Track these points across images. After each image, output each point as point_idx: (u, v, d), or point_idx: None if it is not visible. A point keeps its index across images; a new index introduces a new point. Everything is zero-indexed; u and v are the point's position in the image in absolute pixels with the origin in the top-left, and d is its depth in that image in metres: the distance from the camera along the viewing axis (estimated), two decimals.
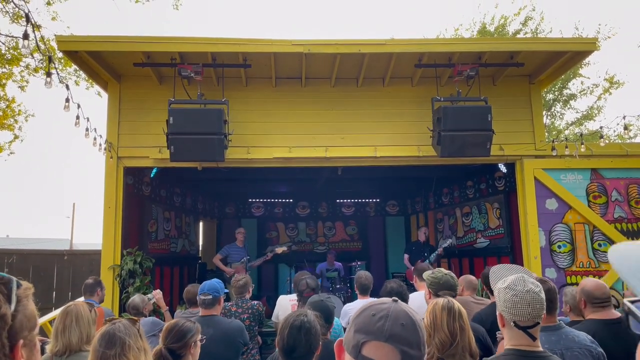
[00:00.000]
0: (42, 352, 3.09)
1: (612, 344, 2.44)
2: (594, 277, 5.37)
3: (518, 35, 16.60)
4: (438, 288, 3.27)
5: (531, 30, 17.00)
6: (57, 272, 9.92)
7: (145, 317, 4.74)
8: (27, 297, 1.08)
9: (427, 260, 7.87)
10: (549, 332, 2.46)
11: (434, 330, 2.45)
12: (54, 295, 9.76)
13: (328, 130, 6.42)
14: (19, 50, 10.99)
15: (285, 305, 4.74)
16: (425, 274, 3.48)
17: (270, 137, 6.34)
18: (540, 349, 1.94)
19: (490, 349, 3.09)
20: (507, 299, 1.93)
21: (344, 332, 3.90)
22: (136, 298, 4.80)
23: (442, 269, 3.50)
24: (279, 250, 8.27)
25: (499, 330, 2.19)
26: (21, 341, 1.04)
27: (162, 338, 2.48)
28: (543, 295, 1.94)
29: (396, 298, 1.10)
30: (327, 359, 2.39)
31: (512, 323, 1.92)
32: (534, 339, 1.91)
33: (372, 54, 5.95)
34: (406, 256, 8.60)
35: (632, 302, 0.81)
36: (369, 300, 1.16)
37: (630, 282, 0.74)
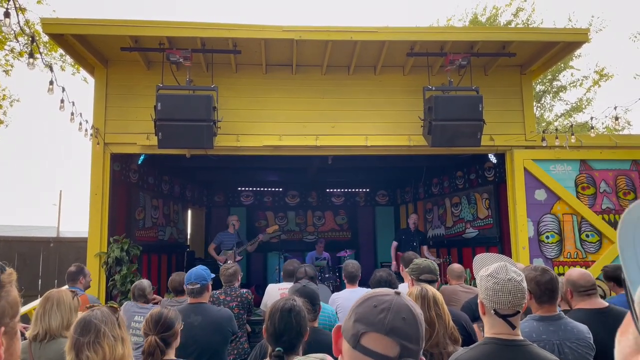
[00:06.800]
0: (24, 338, 3.04)
1: (602, 333, 2.44)
2: (581, 267, 5.41)
3: (509, 27, 16.60)
4: (419, 273, 3.32)
5: (522, 21, 17.03)
6: (43, 260, 9.80)
7: (148, 302, 4.65)
8: (10, 283, 1.03)
9: (417, 250, 7.89)
10: (548, 322, 2.45)
11: None
12: (39, 282, 9.65)
13: (319, 119, 6.37)
14: (3, 34, 10.74)
15: (275, 293, 4.71)
16: (407, 269, 3.54)
17: (260, 125, 6.27)
18: (520, 337, 1.93)
19: (474, 335, 3.10)
20: (488, 287, 1.93)
21: (338, 319, 3.91)
22: (144, 281, 4.73)
23: (422, 258, 3.58)
24: (270, 229, 8.32)
25: None
26: (2, 328, 0.99)
27: (149, 328, 2.45)
28: (525, 284, 1.94)
29: (399, 291, 1.10)
30: (314, 345, 2.37)
31: (492, 311, 1.91)
32: (513, 327, 1.91)
33: (364, 42, 5.89)
34: (394, 243, 8.47)
35: None
36: (371, 290, 1.15)
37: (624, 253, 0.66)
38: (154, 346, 2.33)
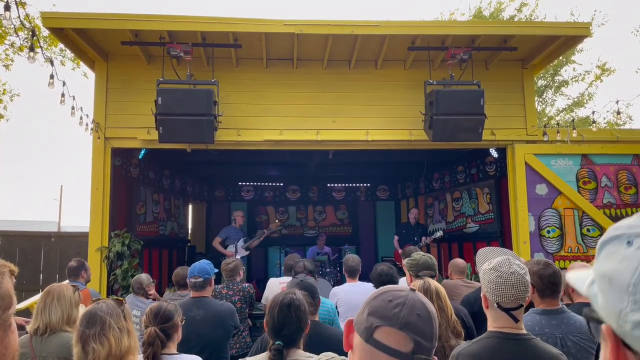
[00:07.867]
0: (25, 332, 3.05)
1: None
2: (582, 261, 5.41)
3: (511, 20, 16.52)
4: (418, 269, 3.32)
5: (526, 16, 16.94)
6: (44, 254, 9.80)
7: (147, 297, 4.66)
8: (2, 275, 1.01)
9: (417, 244, 7.90)
10: (551, 316, 2.45)
11: None
12: (40, 277, 9.66)
13: (320, 113, 6.36)
14: (3, 28, 10.71)
15: (275, 288, 4.73)
16: (405, 261, 3.52)
17: (261, 120, 6.26)
18: (524, 331, 1.93)
19: (472, 329, 3.10)
20: (491, 280, 1.92)
21: (338, 314, 3.91)
22: (142, 275, 4.77)
23: (420, 252, 3.56)
24: (274, 225, 8.61)
25: None
26: None
27: (150, 320, 2.46)
28: (528, 277, 1.94)
29: (414, 288, 1.09)
30: (314, 339, 2.38)
31: (495, 304, 1.91)
32: (516, 321, 1.91)
33: (365, 36, 5.87)
34: (396, 237, 8.67)
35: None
36: (386, 286, 1.14)
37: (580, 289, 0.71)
38: (154, 336, 2.35)
